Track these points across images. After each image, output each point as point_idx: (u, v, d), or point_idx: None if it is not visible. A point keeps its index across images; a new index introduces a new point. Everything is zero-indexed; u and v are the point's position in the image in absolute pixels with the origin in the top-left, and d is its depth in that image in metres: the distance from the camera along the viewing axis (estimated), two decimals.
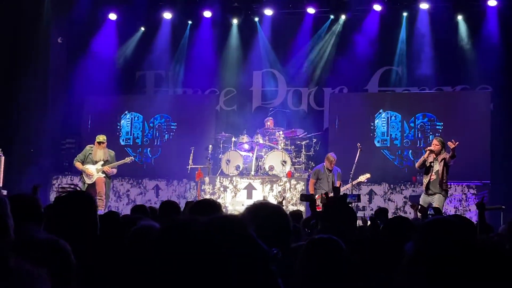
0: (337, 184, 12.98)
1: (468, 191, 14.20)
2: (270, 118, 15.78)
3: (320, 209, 7.92)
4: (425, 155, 12.07)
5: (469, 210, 14.01)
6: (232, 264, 1.34)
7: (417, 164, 12.35)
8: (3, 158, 13.51)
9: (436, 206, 11.21)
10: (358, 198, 9.97)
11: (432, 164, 12.00)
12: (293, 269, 3.02)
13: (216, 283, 1.32)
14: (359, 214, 12.83)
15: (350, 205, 6.17)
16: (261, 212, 2.88)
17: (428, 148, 12.22)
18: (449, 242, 2.34)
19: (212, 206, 4.51)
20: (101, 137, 13.58)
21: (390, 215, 10.19)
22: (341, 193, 12.07)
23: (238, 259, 1.35)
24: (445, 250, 2.31)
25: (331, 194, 12.27)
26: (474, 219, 13.08)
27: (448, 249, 2.31)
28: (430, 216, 6.98)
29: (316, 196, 12.46)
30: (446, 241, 2.34)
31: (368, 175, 13.51)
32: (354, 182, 13.47)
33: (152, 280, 1.37)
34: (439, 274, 2.27)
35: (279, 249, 1.72)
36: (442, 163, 11.91)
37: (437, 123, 15.85)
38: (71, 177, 16.42)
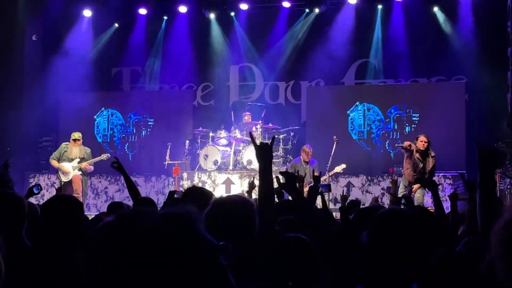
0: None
1: (445, 181, 14.31)
2: (247, 112, 15.78)
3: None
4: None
5: (446, 200, 14.09)
6: (176, 259, 1.35)
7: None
8: None
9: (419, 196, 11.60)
10: (328, 188, 10.06)
11: (420, 160, 12.25)
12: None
13: (160, 278, 1.33)
14: (337, 206, 12.90)
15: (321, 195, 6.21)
16: (223, 206, 2.87)
17: (404, 146, 12.40)
18: (397, 233, 2.37)
19: (202, 195, 4.45)
20: (76, 135, 13.49)
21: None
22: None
23: (182, 254, 1.36)
24: (391, 241, 2.34)
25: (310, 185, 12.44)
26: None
27: (395, 240, 2.34)
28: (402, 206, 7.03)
29: None
30: (394, 232, 2.37)
31: (343, 166, 13.59)
32: (331, 173, 13.54)
33: (99, 275, 1.37)
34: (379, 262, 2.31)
35: (235, 242, 1.73)
36: (431, 163, 12.13)
37: (413, 115, 15.96)
38: (48, 175, 16.32)
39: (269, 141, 3.62)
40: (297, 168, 13.52)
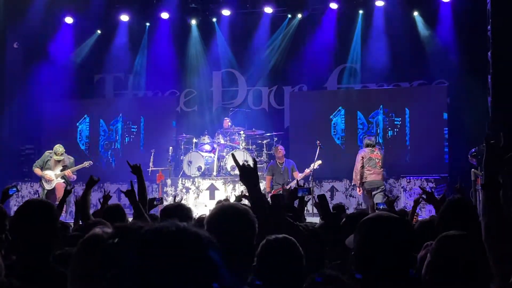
0: (295, 175, 13.23)
1: (427, 184, 14.39)
2: (226, 118, 15.80)
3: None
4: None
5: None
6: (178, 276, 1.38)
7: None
8: None
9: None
10: (309, 191, 10.10)
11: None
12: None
13: None
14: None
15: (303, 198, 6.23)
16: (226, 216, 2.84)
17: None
18: (385, 237, 2.39)
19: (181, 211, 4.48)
20: (59, 152, 13.27)
21: (351, 211, 10.32)
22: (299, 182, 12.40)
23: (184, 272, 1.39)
24: (380, 245, 2.37)
25: (287, 187, 12.56)
26: (433, 212, 13.31)
27: (384, 244, 2.37)
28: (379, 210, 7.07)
29: (273, 191, 12.77)
30: (382, 237, 2.40)
31: (319, 162, 13.55)
32: (308, 171, 13.49)
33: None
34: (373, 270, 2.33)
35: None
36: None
37: (396, 119, 16.05)
38: (31, 183, 16.21)
39: (251, 163, 3.61)
40: (274, 170, 13.60)
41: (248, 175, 3.49)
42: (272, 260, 2.98)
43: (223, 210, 2.87)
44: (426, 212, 13.80)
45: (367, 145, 13.05)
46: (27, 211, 3.42)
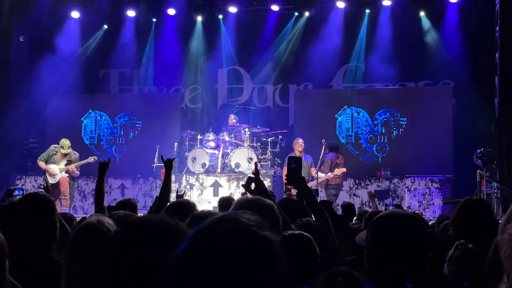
0: (312, 171, 13.17)
1: (432, 185, 14.39)
2: (232, 115, 15.77)
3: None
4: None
5: (433, 204, 14.21)
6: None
7: None
8: None
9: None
10: (316, 192, 10.18)
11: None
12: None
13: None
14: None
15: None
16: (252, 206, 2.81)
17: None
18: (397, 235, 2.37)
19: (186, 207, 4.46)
20: (66, 146, 13.29)
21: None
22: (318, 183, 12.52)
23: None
24: (391, 243, 2.35)
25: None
26: (438, 212, 13.31)
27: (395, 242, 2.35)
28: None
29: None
30: (394, 234, 2.38)
31: (344, 170, 13.49)
32: (331, 175, 13.38)
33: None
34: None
35: None
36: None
37: (401, 119, 16.02)
38: (34, 177, 16.22)
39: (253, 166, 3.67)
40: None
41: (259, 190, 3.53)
42: (289, 257, 2.94)
43: (251, 202, 2.84)
44: (430, 212, 13.79)
45: (334, 149, 13.34)
46: (21, 205, 3.39)
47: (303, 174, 11.68)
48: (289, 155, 13.32)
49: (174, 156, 14.83)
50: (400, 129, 16.02)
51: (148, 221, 1.91)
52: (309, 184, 13.20)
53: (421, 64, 16.37)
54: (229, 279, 1.30)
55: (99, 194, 5.29)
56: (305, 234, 3.10)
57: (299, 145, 13.60)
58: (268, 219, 2.52)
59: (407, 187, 14.53)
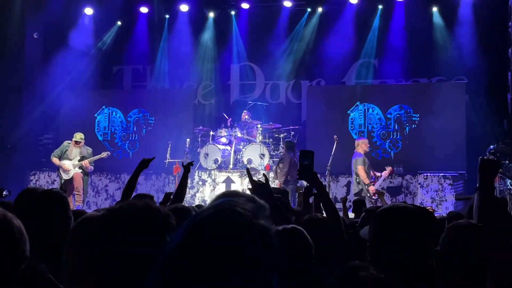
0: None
1: (444, 181, 14.34)
2: (245, 111, 15.80)
3: None
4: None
5: (445, 200, 14.16)
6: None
7: None
8: None
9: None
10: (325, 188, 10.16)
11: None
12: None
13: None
14: (338, 206, 12.89)
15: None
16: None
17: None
18: (401, 228, 2.37)
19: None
20: (78, 136, 13.41)
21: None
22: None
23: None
24: (395, 236, 2.35)
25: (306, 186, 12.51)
26: (450, 209, 13.26)
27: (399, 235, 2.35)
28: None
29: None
30: (398, 228, 2.38)
31: (391, 168, 13.39)
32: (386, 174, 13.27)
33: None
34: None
35: None
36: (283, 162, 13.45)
37: (413, 115, 15.96)
38: (48, 173, 16.33)
39: (263, 179, 3.67)
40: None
41: (262, 191, 3.56)
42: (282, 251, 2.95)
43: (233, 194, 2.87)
44: (442, 208, 13.75)
45: (290, 148, 13.61)
46: (26, 199, 3.42)
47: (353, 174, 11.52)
48: (360, 156, 13.19)
49: (186, 152, 14.89)
50: (413, 125, 15.96)
51: (132, 205, 1.91)
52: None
53: (434, 60, 16.31)
54: (227, 270, 1.31)
55: (128, 189, 5.24)
56: (298, 227, 3.12)
57: (366, 145, 13.33)
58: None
59: (419, 183, 14.49)
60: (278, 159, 13.77)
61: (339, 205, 13.48)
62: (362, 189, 12.61)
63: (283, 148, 14.15)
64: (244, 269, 1.32)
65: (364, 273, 2.18)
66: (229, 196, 2.60)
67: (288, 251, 2.94)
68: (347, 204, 9.04)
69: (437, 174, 14.47)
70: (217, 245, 1.32)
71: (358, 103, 16.37)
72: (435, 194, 14.32)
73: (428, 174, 14.51)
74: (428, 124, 15.56)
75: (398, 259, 2.33)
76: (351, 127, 16.36)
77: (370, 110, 16.33)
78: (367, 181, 12.60)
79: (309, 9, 17.31)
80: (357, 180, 12.73)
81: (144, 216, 1.85)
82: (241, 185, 14.30)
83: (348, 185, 14.92)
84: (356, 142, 13.35)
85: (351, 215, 8.51)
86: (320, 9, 17.12)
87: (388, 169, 13.19)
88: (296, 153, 13.52)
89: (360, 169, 12.68)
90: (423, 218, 2.41)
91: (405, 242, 2.34)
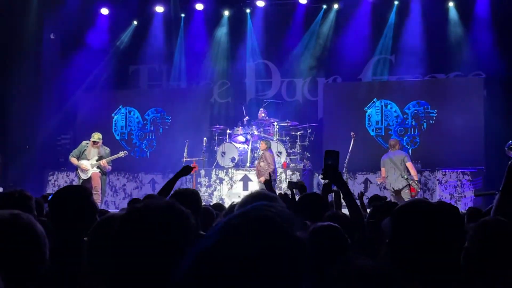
0: (409, 166, 12.81)
1: (463, 177, 14.23)
2: (261, 109, 15.80)
3: None
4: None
5: (464, 196, 14.06)
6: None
7: None
8: None
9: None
10: None
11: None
12: None
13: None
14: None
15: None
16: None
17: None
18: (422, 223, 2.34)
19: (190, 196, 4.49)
20: (96, 136, 13.44)
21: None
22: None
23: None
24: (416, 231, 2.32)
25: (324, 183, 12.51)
26: (469, 205, 13.16)
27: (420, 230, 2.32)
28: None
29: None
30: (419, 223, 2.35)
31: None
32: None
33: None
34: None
35: None
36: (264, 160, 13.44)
37: (431, 111, 15.86)
38: (67, 173, 16.42)
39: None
40: None
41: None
42: (319, 249, 2.95)
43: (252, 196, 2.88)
44: (461, 205, 13.64)
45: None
46: (65, 194, 3.50)
47: (396, 171, 11.54)
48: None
49: (203, 151, 14.91)
50: (431, 121, 15.86)
51: (156, 204, 1.92)
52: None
53: (451, 56, 16.19)
54: (255, 277, 1.31)
55: (163, 191, 5.26)
56: (335, 224, 3.13)
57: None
58: None
59: (438, 180, 14.39)
60: (259, 157, 13.71)
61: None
62: (406, 185, 12.58)
63: (260, 145, 14.08)
64: (274, 278, 1.31)
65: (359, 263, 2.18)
66: (263, 199, 2.61)
67: (323, 247, 2.95)
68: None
69: (455, 170, 14.36)
70: (249, 251, 1.31)
71: (375, 99, 16.30)
72: (454, 190, 14.22)
73: (447, 170, 14.40)
74: (446, 119, 15.45)
75: (419, 256, 2.30)
76: (368, 124, 16.29)
77: (388, 106, 16.25)
78: (417, 177, 12.72)
79: (324, 6, 17.26)
80: (405, 176, 12.71)
81: (166, 215, 1.86)
82: (258, 183, 14.29)
83: (366, 182, 14.87)
84: (395, 140, 13.30)
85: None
86: (336, 6, 17.06)
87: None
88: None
89: (410, 166, 12.72)
90: (446, 214, 2.38)
91: (427, 239, 2.30)
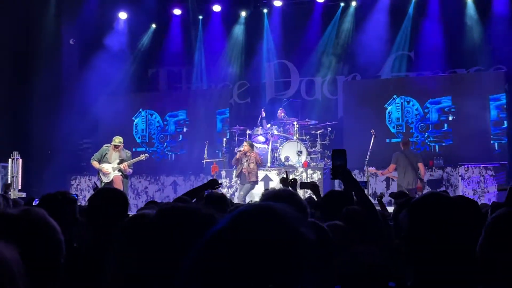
0: (420, 167, 12.93)
1: (486, 172, 14.09)
2: (281, 108, 15.77)
3: None
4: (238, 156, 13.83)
5: (487, 191, 13.92)
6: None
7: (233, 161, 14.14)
8: (20, 160, 13.66)
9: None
10: (365, 185, 10.15)
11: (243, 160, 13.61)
12: None
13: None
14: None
15: None
16: (278, 198, 2.85)
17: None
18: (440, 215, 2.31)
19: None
20: (117, 140, 13.50)
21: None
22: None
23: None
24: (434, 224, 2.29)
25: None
26: (493, 200, 13.02)
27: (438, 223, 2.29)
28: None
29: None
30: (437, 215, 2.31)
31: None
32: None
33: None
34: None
35: None
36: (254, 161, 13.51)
37: (452, 106, 15.74)
38: (89, 177, 16.54)
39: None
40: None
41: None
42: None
43: (275, 194, 2.88)
44: (485, 200, 13.50)
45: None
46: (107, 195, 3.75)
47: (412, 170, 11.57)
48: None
49: (223, 152, 14.91)
50: (452, 117, 15.73)
51: (185, 208, 1.99)
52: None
53: (472, 50, 16.03)
54: (259, 263, 1.33)
55: (189, 194, 5.35)
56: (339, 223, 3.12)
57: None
58: (293, 206, 2.56)
59: (460, 176, 14.27)
60: (246, 160, 13.65)
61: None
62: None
63: (244, 146, 14.03)
64: (276, 266, 1.36)
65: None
66: (277, 199, 2.64)
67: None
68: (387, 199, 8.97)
69: (478, 165, 14.22)
70: (252, 234, 1.37)
71: (395, 96, 16.21)
72: (477, 186, 14.08)
73: (469, 165, 14.27)
74: (468, 114, 15.31)
75: (434, 249, 2.26)
76: (389, 121, 16.20)
77: (408, 103, 16.15)
78: (424, 177, 13.08)
79: (342, 4, 17.19)
80: (419, 174, 12.83)
81: (195, 217, 1.91)
82: (278, 182, 14.26)
83: (388, 179, 14.77)
84: (407, 139, 13.39)
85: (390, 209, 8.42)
86: (354, 3, 16.99)
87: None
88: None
89: (422, 166, 12.94)
90: (463, 206, 2.34)
91: (443, 231, 2.27)
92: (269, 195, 2.97)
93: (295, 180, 5.96)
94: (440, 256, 2.25)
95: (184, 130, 17.76)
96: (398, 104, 16.19)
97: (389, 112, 16.23)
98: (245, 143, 13.88)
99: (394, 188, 14.29)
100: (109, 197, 3.75)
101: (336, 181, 15.00)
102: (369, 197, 12.43)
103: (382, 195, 8.10)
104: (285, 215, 1.41)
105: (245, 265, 1.33)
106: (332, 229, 3.15)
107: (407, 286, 2.30)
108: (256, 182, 13.65)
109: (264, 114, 15.66)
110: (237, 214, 1.43)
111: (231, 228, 1.39)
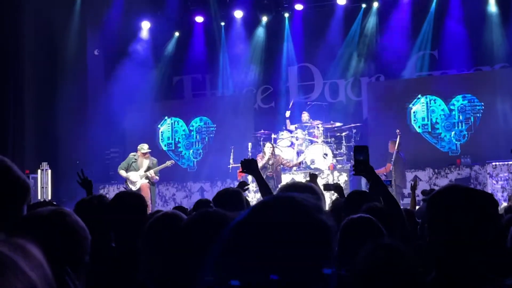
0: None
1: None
2: (305, 112, 15.77)
3: None
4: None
5: None
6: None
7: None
8: (49, 171, 13.85)
9: None
10: (390, 183, 10.15)
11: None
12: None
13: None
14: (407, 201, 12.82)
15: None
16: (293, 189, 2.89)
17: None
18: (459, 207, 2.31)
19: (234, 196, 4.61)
20: (145, 147, 13.63)
21: None
22: None
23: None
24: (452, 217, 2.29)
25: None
26: None
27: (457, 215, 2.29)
28: None
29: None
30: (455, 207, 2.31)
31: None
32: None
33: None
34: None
35: None
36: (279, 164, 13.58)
37: (478, 104, 15.61)
38: (117, 186, 16.68)
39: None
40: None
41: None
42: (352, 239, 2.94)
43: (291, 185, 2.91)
44: (505, 198, 13.36)
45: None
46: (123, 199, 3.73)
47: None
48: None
49: (249, 157, 14.95)
50: (478, 114, 15.60)
51: (215, 213, 2.05)
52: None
53: (496, 47, 15.91)
54: (278, 252, 1.36)
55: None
56: (365, 215, 3.11)
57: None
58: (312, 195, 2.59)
59: (488, 174, 14.12)
60: (272, 163, 13.54)
61: (407, 200, 13.33)
62: None
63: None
64: (296, 257, 1.36)
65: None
66: (295, 189, 2.69)
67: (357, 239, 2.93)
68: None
69: (506, 162, 14.06)
70: (275, 226, 1.38)
71: (419, 95, 16.12)
72: (506, 184, 13.93)
73: (497, 163, 14.11)
74: (494, 112, 15.18)
75: (454, 240, 2.27)
76: (414, 120, 16.12)
77: (433, 102, 16.05)
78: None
79: (364, 5, 17.16)
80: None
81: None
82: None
83: (415, 179, 14.67)
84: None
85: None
86: (375, 4, 16.95)
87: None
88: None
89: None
90: (482, 197, 2.33)
91: (462, 221, 2.27)
92: (287, 187, 3.00)
93: (338, 184, 6.09)
94: (459, 248, 2.26)
95: (210, 136, 17.85)
96: (423, 103, 16.10)
97: (414, 112, 16.15)
98: (266, 148, 13.57)
99: (422, 187, 14.21)
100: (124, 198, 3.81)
101: (363, 183, 14.98)
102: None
103: (415, 184, 7.94)
104: (306, 203, 1.43)
105: (270, 246, 1.35)
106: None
107: (423, 280, 2.30)
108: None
109: (288, 115, 15.67)
110: (260, 202, 1.47)
111: (255, 212, 1.42)
